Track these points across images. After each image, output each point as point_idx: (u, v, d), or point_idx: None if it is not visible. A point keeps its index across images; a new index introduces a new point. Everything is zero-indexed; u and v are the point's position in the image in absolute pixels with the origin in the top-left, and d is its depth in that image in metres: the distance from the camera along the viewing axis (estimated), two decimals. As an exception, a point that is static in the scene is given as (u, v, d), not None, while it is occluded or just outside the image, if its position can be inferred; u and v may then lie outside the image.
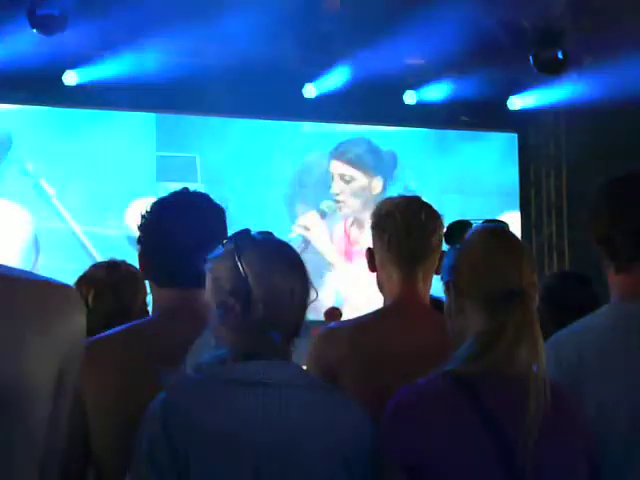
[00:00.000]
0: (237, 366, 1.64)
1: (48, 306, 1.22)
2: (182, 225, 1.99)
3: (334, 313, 7.83)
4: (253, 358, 1.65)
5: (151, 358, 1.84)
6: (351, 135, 10.31)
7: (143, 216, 2.04)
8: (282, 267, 1.70)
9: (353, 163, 10.22)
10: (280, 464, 1.59)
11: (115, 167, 9.28)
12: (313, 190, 10.06)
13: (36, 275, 1.27)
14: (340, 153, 10.19)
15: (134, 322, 2.07)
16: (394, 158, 10.32)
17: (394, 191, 9.48)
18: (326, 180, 10.09)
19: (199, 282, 1.92)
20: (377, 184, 10.15)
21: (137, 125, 9.61)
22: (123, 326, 2.00)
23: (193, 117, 9.70)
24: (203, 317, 1.93)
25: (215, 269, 1.73)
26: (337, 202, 9.97)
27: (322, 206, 9.95)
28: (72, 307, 1.27)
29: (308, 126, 10.16)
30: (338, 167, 10.17)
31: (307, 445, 1.61)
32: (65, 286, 1.30)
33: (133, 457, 1.60)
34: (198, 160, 9.73)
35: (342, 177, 10.12)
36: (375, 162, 10.27)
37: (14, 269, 1.24)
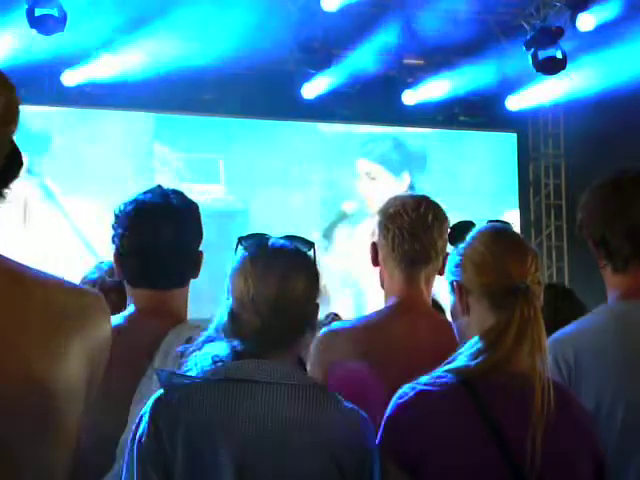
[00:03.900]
0: (224, 365, 1.69)
1: (84, 312, 1.27)
2: (155, 227, 2.01)
3: (334, 320, 7.81)
4: (238, 359, 1.69)
5: (121, 354, 1.87)
6: (375, 135, 10.21)
7: (116, 215, 2.06)
8: (267, 277, 1.71)
9: (379, 161, 10.13)
10: (264, 459, 1.62)
11: (140, 168, 9.20)
12: (336, 191, 9.99)
13: (70, 282, 1.32)
14: (366, 151, 10.09)
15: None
16: (423, 156, 10.25)
17: (421, 190, 9.43)
18: (350, 180, 10.01)
19: (171, 283, 2.01)
20: (404, 182, 10.07)
21: (161, 126, 9.57)
22: None
23: (217, 118, 9.64)
24: (173, 317, 1.99)
25: None
26: (364, 200, 9.88)
27: (343, 207, 9.92)
28: (103, 314, 1.32)
29: (327, 127, 10.05)
30: (364, 165, 10.08)
31: (291, 441, 1.63)
32: (96, 293, 1.36)
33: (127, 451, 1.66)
34: (221, 162, 9.66)
35: (368, 175, 10.04)
36: (402, 160, 10.18)
37: (50, 274, 1.28)
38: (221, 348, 1.71)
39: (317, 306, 1.79)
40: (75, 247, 8.97)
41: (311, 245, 1.82)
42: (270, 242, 1.78)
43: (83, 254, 8.71)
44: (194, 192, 8.73)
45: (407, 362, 2.00)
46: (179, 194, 2.09)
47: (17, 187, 1.24)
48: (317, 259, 1.82)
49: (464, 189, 10.05)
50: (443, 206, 2.30)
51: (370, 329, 2.22)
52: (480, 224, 1.88)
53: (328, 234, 9.73)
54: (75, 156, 9.20)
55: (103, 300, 1.35)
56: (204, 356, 1.71)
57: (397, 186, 9.95)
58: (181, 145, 9.59)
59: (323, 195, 9.96)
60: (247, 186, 9.61)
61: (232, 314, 1.72)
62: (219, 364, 1.69)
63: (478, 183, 10.19)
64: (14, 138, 1.27)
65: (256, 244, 1.78)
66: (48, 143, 9.19)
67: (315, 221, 9.76)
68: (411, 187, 10.02)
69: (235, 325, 1.71)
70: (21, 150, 1.27)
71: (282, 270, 1.72)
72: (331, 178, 9.99)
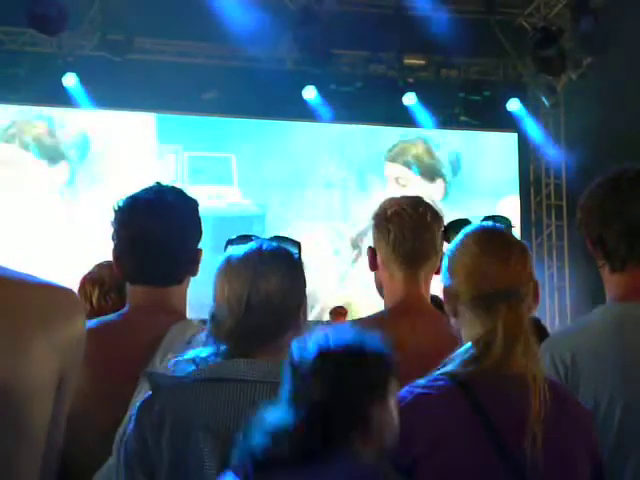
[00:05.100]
0: (209, 366, 1.68)
1: (49, 309, 1.24)
2: (145, 223, 2.01)
3: (340, 312, 7.79)
4: (220, 359, 1.69)
5: (119, 352, 1.90)
6: (403, 135, 9.94)
7: (115, 211, 2.06)
8: (239, 276, 1.71)
9: (410, 166, 9.76)
10: None
11: (144, 168, 9.10)
12: (362, 196, 9.67)
13: (37, 278, 1.28)
14: (395, 155, 9.71)
15: (105, 318, 2.09)
16: (457, 160, 10.00)
17: (456, 196, 9.25)
18: (378, 184, 9.68)
19: (166, 280, 2.02)
20: (437, 188, 9.73)
21: (165, 126, 9.52)
22: (94, 321, 2.01)
23: (219, 119, 9.58)
24: (174, 314, 1.99)
25: None
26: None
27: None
28: (73, 309, 1.29)
29: (349, 127, 9.82)
30: (393, 170, 9.68)
31: None
32: (65, 289, 1.31)
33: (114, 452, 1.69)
34: (234, 160, 9.48)
35: (397, 181, 9.65)
36: (435, 165, 9.86)
37: (16, 272, 1.26)
38: (203, 350, 1.71)
39: (298, 304, 1.77)
40: (85, 248, 8.99)
41: (297, 244, 1.82)
42: (249, 243, 1.78)
43: (92, 254, 8.69)
44: (208, 195, 8.63)
45: (414, 361, 2.00)
46: (176, 191, 2.09)
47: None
48: (302, 258, 1.81)
49: (464, 188, 10.06)
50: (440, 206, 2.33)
51: (381, 327, 2.22)
52: (475, 222, 1.86)
53: (356, 243, 9.46)
54: (84, 157, 9.23)
55: (73, 296, 1.33)
56: (185, 358, 1.71)
57: (430, 193, 9.40)
58: (190, 145, 9.53)
59: (345, 198, 9.73)
60: (261, 188, 9.37)
61: (212, 316, 1.73)
62: (201, 365, 1.68)
63: (478, 183, 10.19)
64: None
65: (236, 246, 1.79)
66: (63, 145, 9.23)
67: (338, 229, 9.57)
68: (445, 195, 9.64)
69: (214, 327, 1.72)
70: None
71: (253, 269, 1.72)
72: (355, 182, 9.75)
